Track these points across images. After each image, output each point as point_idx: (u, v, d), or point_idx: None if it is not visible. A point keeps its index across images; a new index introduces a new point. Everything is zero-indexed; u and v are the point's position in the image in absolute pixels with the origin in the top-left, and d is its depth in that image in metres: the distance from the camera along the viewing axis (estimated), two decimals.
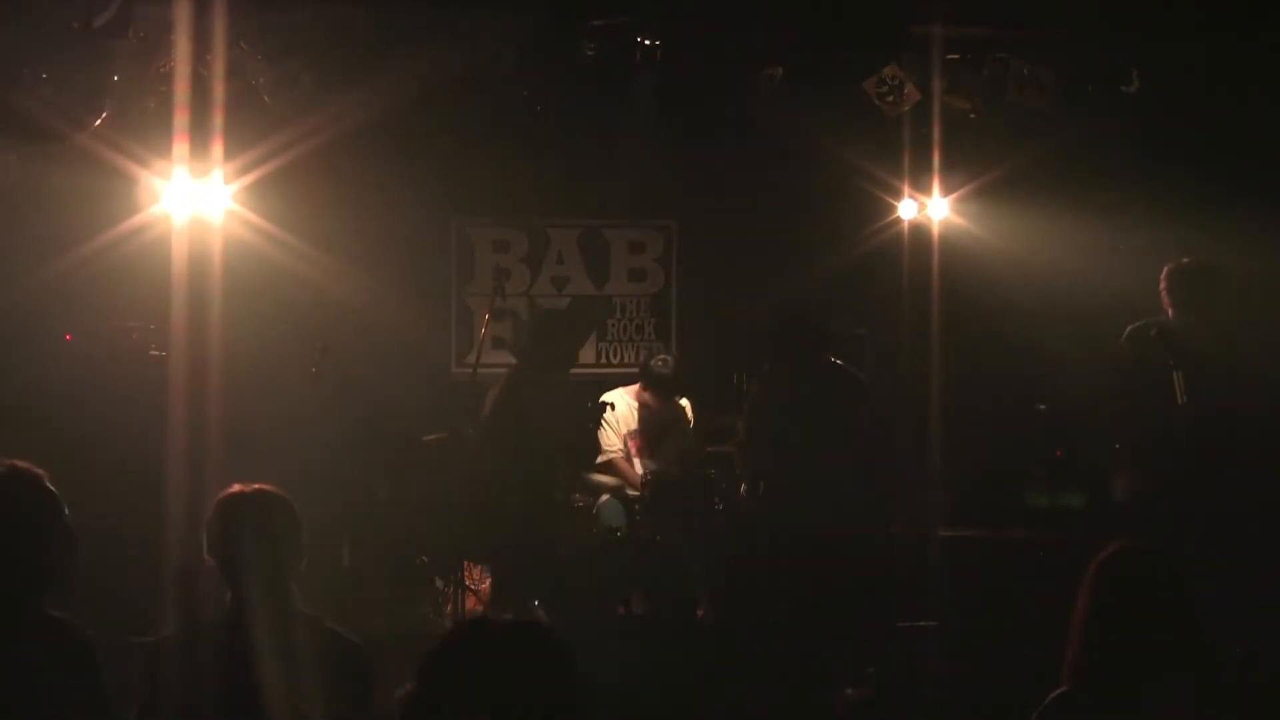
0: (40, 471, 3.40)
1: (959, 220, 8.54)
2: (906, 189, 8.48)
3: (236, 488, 3.74)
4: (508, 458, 7.01)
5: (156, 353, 7.24)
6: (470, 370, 7.46)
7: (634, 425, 7.89)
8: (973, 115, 7.62)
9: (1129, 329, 6.45)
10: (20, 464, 3.40)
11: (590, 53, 7.10)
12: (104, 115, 6.22)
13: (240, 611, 3.61)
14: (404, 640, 7.17)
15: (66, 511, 3.40)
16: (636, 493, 7.44)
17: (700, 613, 6.99)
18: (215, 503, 3.74)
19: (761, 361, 7.29)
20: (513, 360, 7.73)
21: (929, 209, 8.54)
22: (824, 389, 6.87)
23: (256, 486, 3.74)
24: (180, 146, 6.89)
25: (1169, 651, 3.29)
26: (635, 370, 8.31)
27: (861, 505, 6.72)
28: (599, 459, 7.82)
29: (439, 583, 7.57)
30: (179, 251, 7.10)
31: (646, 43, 7.15)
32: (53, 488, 3.40)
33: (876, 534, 7.01)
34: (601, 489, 7.63)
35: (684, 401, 7.94)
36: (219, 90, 6.72)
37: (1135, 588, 3.35)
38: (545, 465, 7.11)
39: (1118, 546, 3.44)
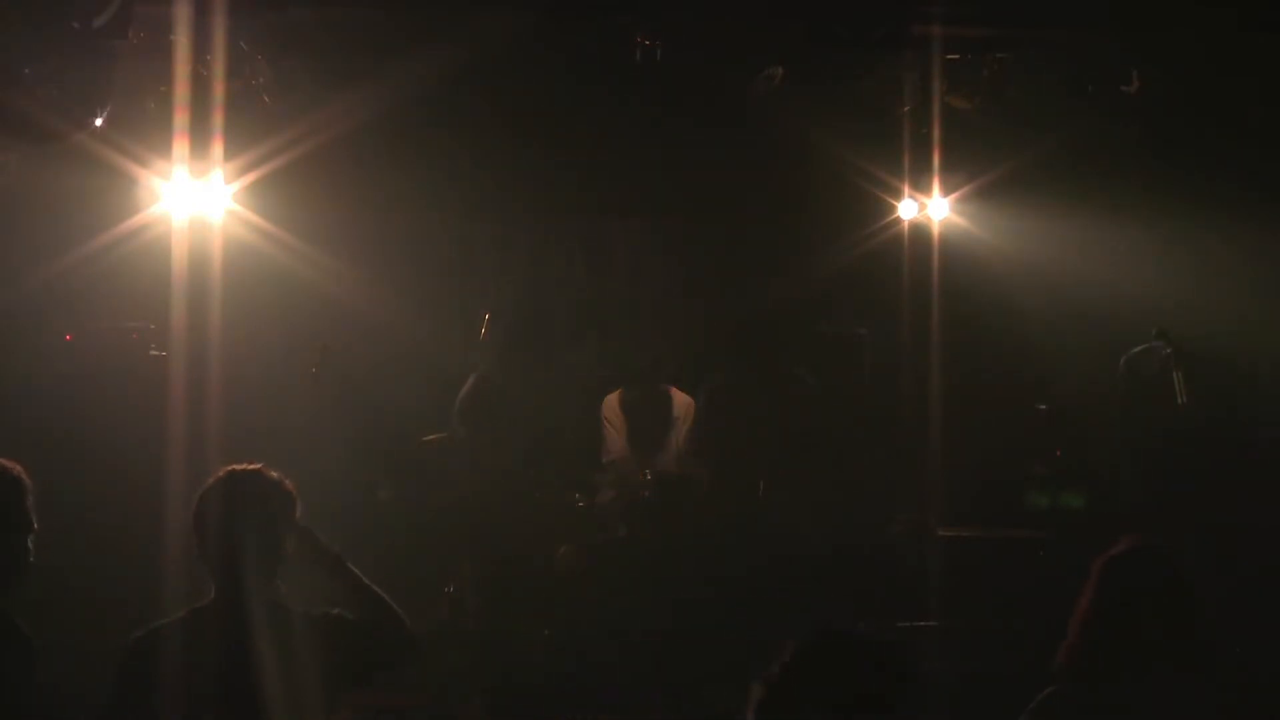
0: (13, 466, 3.38)
1: (959, 220, 8.54)
2: (906, 189, 8.48)
3: (237, 467, 3.60)
4: (483, 456, 7.01)
5: (156, 353, 7.24)
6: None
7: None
8: (973, 115, 7.61)
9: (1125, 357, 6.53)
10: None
11: (590, 52, 7.10)
12: (104, 115, 6.21)
13: (233, 600, 3.49)
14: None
15: (30, 499, 3.37)
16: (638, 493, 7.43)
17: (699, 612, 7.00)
18: (213, 481, 3.58)
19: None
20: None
21: (929, 209, 8.54)
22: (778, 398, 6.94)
23: (256, 466, 3.63)
24: (180, 146, 6.90)
25: (1171, 648, 3.29)
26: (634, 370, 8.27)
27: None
28: (603, 459, 7.80)
29: (439, 583, 7.56)
30: (179, 251, 7.12)
31: (646, 43, 7.14)
32: (24, 479, 3.38)
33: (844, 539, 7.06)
34: (602, 489, 7.62)
35: (684, 398, 7.91)
36: (219, 90, 6.72)
37: (1141, 585, 3.34)
38: (521, 464, 7.10)
39: (1125, 544, 3.44)
